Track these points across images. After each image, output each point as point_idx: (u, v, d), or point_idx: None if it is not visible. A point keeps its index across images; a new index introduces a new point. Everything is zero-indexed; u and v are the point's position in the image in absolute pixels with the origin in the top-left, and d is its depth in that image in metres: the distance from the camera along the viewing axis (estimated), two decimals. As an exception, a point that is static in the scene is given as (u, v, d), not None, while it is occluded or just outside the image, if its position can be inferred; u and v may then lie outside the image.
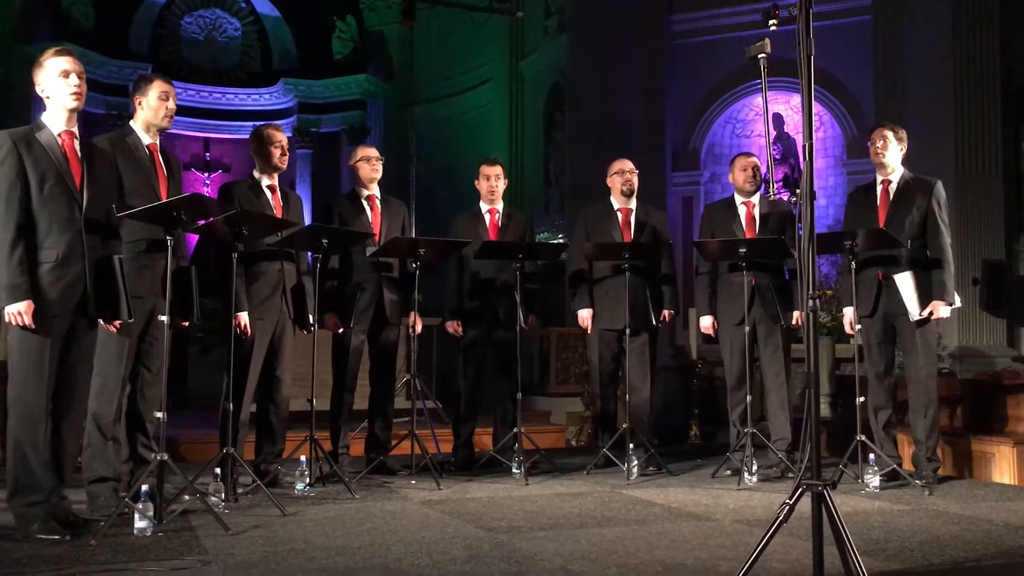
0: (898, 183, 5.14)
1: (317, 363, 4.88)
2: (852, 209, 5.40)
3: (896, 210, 5.09)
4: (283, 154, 5.00)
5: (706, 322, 5.64)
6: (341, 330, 5.31)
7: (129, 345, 4.05)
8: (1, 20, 13.97)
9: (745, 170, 5.55)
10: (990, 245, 8.88)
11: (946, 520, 4.09)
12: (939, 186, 5.12)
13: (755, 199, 5.55)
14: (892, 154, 5.13)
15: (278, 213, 4.92)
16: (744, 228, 5.51)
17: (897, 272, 5.00)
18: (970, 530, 3.86)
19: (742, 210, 5.57)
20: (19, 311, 3.51)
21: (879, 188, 5.18)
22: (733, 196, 5.65)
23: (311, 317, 4.97)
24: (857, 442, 4.90)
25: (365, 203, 5.47)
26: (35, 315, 3.54)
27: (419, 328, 5.51)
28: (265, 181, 5.00)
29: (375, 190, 5.52)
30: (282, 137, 5.05)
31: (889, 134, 5.14)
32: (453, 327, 5.70)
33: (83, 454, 4.04)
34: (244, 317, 4.69)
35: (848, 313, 5.14)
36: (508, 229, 5.79)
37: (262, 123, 5.37)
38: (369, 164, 5.46)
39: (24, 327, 3.53)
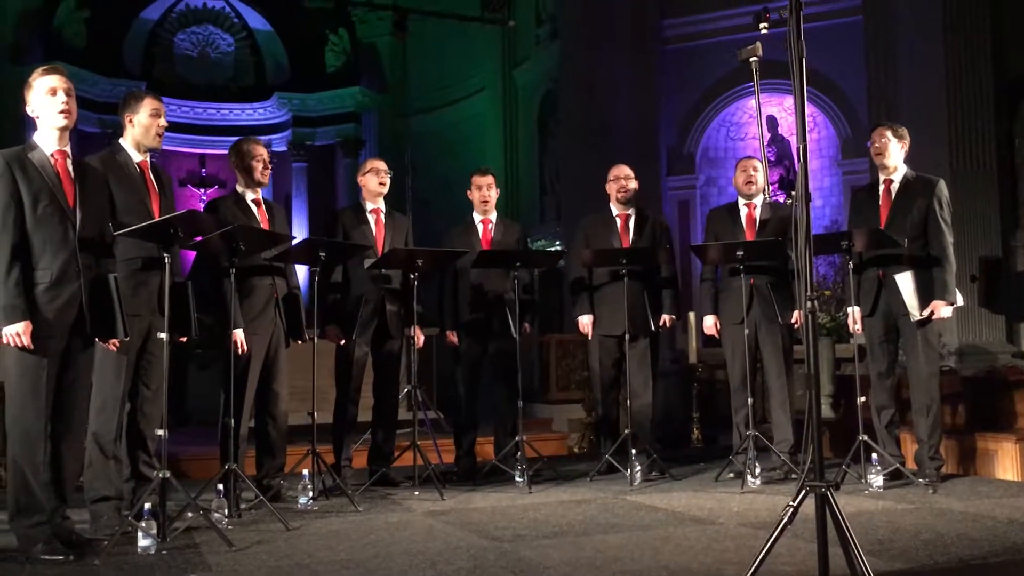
0: (900, 182, 5.12)
1: (317, 376, 4.86)
2: (855, 209, 5.38)
3: (897, 209, 5.06)
4: (265, 168, 4.97)
5: (708, 322, 5.63)
6: (343, 341, 5.30)
7: (127, 363, 4.04)
8: (-6, 42, 13.99)
9: (745, 171, 5.56)
10: (987, 242, 8.88)
11: (950, 518, 4.09)
12: (941, 185, 5.08)
13: (757, 201, 5.55)
14: (893, 154, 5.11)
15: (265, 227, 4.91)
16: (745, 231, 5.51)
17: (898, 271, 4.99)
18: (975, 527, 3.86)
19: (743, 212, 5.57)
20: (17, 332, 3.50)
21: (881, 188, 5.16)
22: (736, 200, 5.66)
23: (304, 325, 4.95)
24: (860, 442, 4.88)
25: (369, 216, 5.47)
26: (32, 336, 3.53)
27: (421, 341, 5.50)
28: (249, 195, 4.97)
29: (380, 203, 5.51)
30: (263, 151, 5.02)
31: (889, 134, 5.11)
32: (451, 338, 5.71)
33: (84, 473, 4.02)
34: (239, 334, 4.64)
35: (852, 312, 5.12)
36: (501, 238, 5.80)
37: (240, 138, 5.31)
38: (377, 177, 5.46)
39: (22, 348, 3.52)
